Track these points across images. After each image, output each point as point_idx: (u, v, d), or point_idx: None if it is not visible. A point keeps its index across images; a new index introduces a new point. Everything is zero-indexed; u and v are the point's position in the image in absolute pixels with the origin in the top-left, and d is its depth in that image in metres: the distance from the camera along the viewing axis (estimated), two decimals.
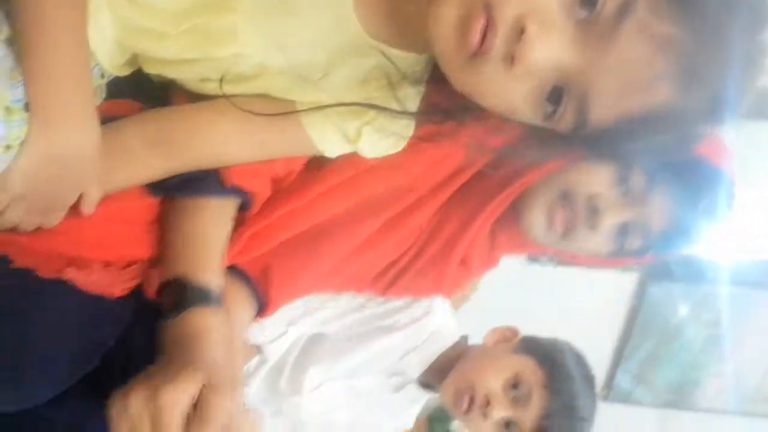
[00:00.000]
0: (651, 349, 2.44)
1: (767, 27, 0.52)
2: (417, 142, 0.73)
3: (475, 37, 0.51)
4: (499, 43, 0.51)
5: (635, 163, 0.82)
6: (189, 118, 0.72)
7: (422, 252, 0.99)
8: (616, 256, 0.95)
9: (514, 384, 1.06)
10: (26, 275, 0.67)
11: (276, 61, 0.67)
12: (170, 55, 0.68)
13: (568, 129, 0.57)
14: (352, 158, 0.75)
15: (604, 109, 0.54)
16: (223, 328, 0.69)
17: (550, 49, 0.50)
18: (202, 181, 0.74)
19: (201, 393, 0.57)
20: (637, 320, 2.37)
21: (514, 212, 0.99)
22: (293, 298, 0.94)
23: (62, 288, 0.69)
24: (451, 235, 0.97)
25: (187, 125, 0.72)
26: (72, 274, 0.68)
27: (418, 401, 1.26)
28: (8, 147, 0.56)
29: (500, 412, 1.06)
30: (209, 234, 0.75)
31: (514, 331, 1.14)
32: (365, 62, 0.67)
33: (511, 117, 0.59)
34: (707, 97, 0.53)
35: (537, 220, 0.93)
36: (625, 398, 2.57)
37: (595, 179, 0.86)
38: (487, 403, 1.05)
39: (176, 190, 0.75)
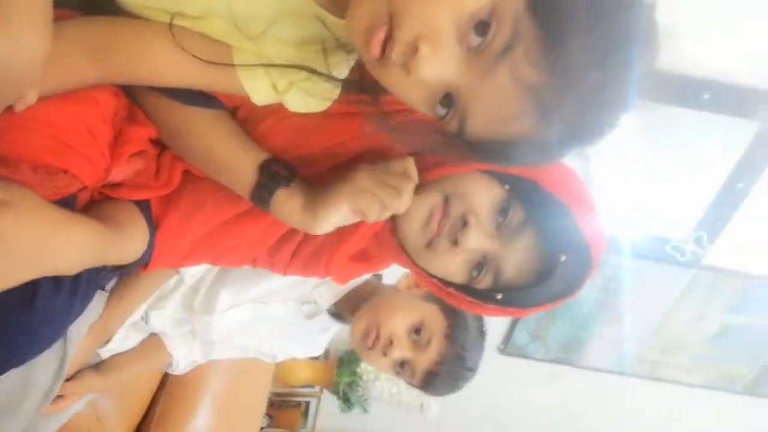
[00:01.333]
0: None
1: (634, 71, 0.57)
2: (338, 110, 0.76)
3: (376, 46, 0.57)
4: (396, 54, 0.57)
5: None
6: (132, 31, 0.72)
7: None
8: (465, 291, 0.83)
9: (417, 329, 1.15)
10: None
11: (220, 9, 0.68)
12: None
13: (453, 132, 0.64)
14: (266, 109, 0.77)
15: (476, 128, 0.62)
16: None
17: (439, 67, 0.57)
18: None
19: None
20: None
21: None
22: (177, 258, 0.91)
23: None
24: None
25: (128, 37, 0.71)
26: None
27: (328, 330, 1.34)
28: None
29: (400, 352, 1.14)
30: None
31: None
32: (306, 25, 0.70)
33: (414, 110, 0.65)
34: (563, 133, 0.60)
35: (417, 216, 0.82)
36: (520, 352, 2.76)
37: (482, 196, 0.80)
38: (390, 343, 1.14)
39: None
